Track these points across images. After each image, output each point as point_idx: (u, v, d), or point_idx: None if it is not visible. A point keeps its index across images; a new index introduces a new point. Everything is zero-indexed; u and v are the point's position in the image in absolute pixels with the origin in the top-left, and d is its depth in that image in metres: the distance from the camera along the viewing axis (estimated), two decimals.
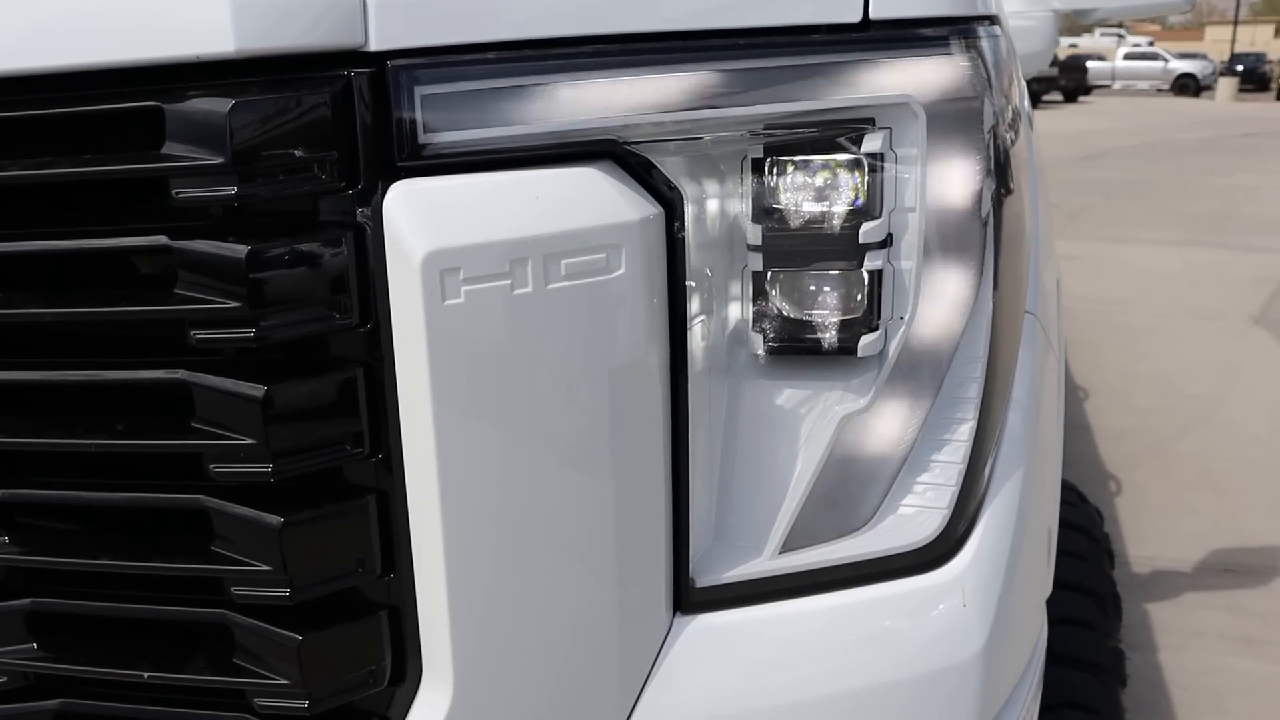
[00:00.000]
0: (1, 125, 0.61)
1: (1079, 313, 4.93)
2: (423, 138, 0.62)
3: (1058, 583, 1.16)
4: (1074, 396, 3.82)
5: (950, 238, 0.74)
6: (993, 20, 0.77)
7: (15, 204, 0.63)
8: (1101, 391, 3.94)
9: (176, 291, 0.60)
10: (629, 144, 0.66)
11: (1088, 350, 4.43)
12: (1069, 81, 24.81)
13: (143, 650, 0.69)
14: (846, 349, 0.74)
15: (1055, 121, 17.52)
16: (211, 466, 0.62)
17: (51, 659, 0.70)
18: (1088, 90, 26.82)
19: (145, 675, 0.67)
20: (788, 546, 0.76)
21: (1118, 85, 30.06)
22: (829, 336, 0.74)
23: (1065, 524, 1.64)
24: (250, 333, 0.59)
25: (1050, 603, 1.00)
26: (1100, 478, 3.18)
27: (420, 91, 0.62)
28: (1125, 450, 3.39)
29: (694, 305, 0.71)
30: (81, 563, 0.66)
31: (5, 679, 0.71)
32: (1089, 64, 27.57)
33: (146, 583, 0.68)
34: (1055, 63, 22.19)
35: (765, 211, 0.73)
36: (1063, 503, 1.44)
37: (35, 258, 0.62)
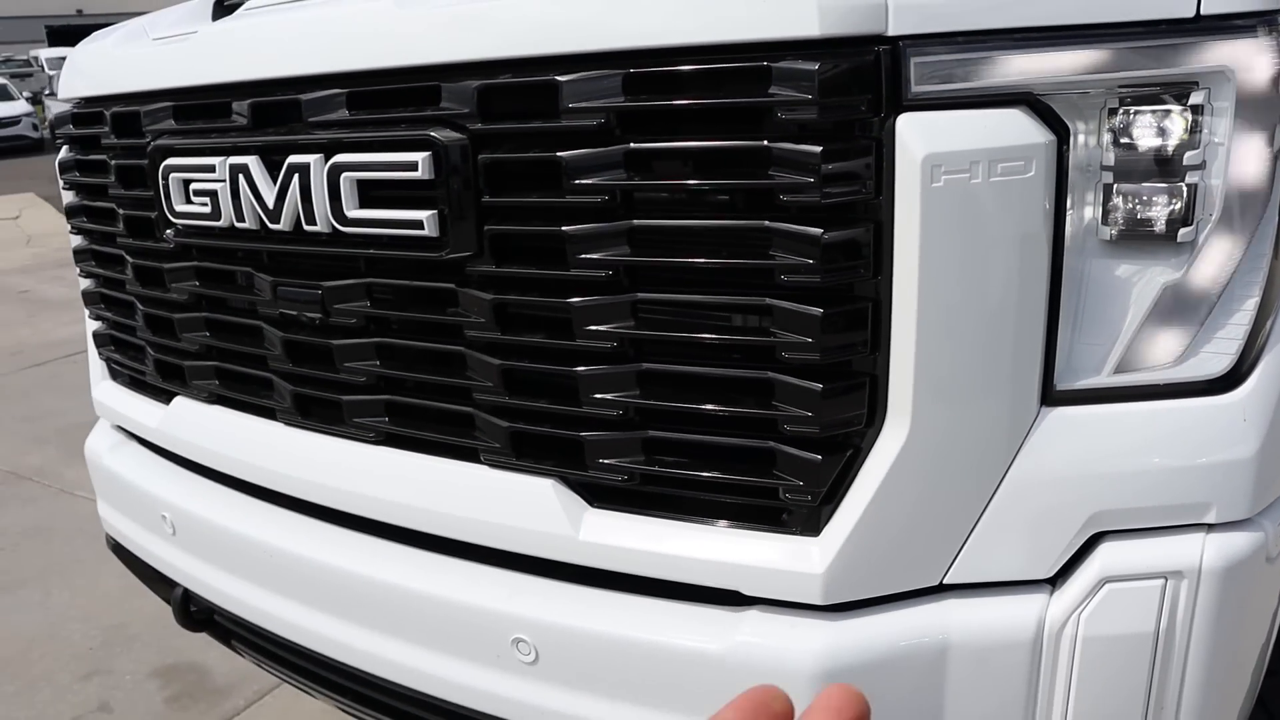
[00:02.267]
0: (654, 80, 1.07)
1: None
2: (914, 88, 1.04)
3: None
4: None
5: (1248, 166, 1.10)
6: None
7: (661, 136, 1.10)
8: None
9: (771, 173, 1.05)
10: (1039, 94, 1.06)
11: None
12: None
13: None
14: (1169, 236, 1.11)
15: None
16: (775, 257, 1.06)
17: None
18: None
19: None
20: (1119, 370, 1.14)
21: None
22: (1157, 228, 1.11)
23: None
24: (817, 196, 1.03)
25: None
26: None
27: (915, 60, 1.04)
28: None
29: (1069, 201, 1.10)
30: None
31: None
32: None
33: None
34: None
35: (1117, 143, 1.11)
36: None
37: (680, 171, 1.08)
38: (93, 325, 1.92)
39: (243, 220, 1.39)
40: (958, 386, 1.09)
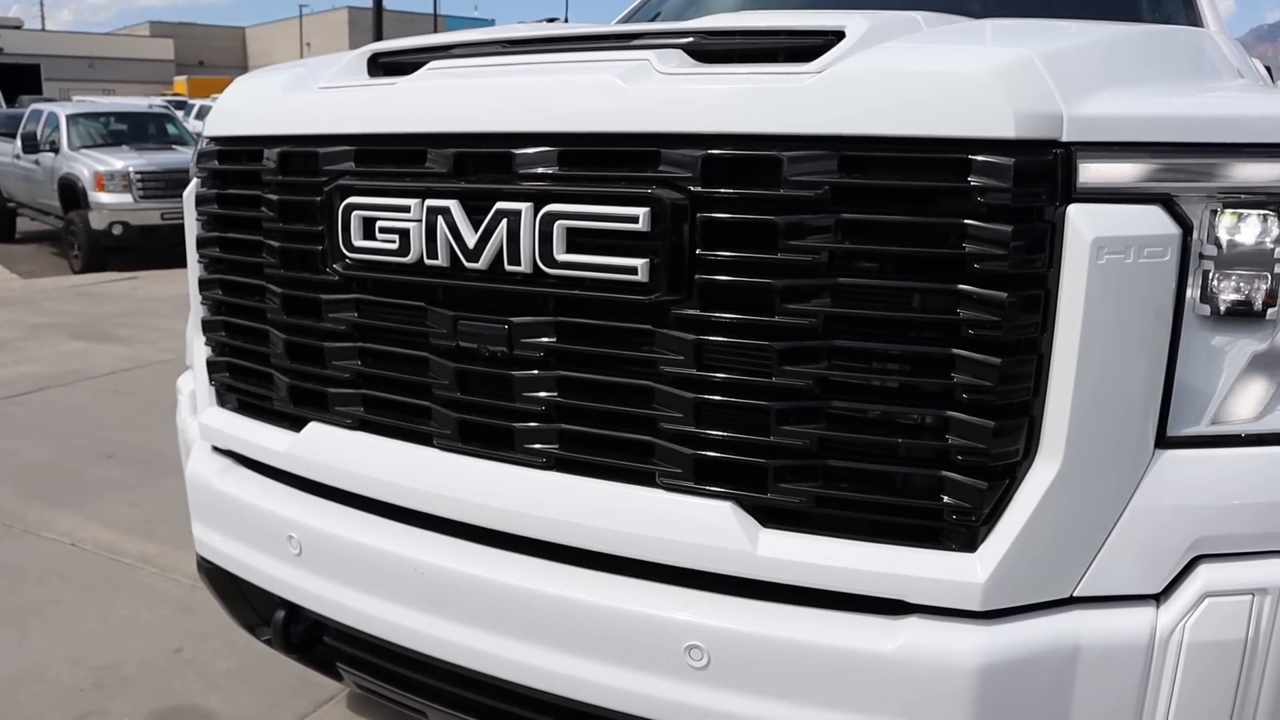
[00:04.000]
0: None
1: None
2: (1081, 182, 1.28)
3: None
4: None
5: None
6: None
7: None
8: None
9: (963, 245, 1.27)
10: (1172, 196, 1.32)
11: None
12: None
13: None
14: (1259, 314, 1.37)
15: None
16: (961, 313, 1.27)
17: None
18: None
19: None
20: (1214, 421, 1.39)
21: None
22: (1253, 307, 1.37)
23: None
24: (1005, 266, 1.25)
25: None
26: None
27: (1081, 161, 1.29)
28: None
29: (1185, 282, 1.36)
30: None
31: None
32: None
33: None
34: None
35: (1217, 237, 1.37)
36: None
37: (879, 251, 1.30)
38: (203, 353, 1.99)
39: (435, 258, 1.53)
40: (1100, 427, 1.32)
